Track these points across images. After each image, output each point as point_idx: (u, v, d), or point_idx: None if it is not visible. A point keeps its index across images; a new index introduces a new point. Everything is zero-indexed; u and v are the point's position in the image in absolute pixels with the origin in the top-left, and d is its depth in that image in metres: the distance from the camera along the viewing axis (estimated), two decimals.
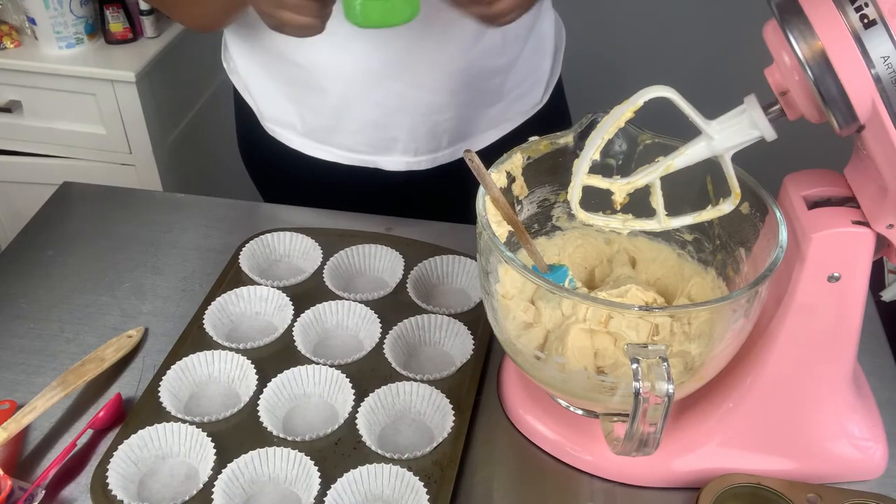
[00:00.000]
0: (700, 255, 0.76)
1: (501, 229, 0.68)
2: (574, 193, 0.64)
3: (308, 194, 1.05)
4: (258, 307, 0.87)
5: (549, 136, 0.72)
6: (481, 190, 0.67)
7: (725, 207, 0.65)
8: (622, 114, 0.61)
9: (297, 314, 0.84)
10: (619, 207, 0.65)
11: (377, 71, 0.92)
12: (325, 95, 0.96)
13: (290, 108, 1.01)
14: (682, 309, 0.64)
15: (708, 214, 0.66)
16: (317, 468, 0.70)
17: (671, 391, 0.55)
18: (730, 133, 0.60)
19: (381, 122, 0.97)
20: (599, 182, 0.65)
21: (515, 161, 0.71)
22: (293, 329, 0.83)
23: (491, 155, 0.70)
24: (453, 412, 0.75)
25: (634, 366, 0.56)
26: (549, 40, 1.07)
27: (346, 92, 0.94)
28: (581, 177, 0.63)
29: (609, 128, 0.62)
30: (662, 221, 0.65)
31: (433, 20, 0.87)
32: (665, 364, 0.56)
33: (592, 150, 0.62)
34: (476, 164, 0.65)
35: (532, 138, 0.72)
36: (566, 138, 0.71)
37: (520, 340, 0.68)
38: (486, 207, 0.66)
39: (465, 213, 0.76)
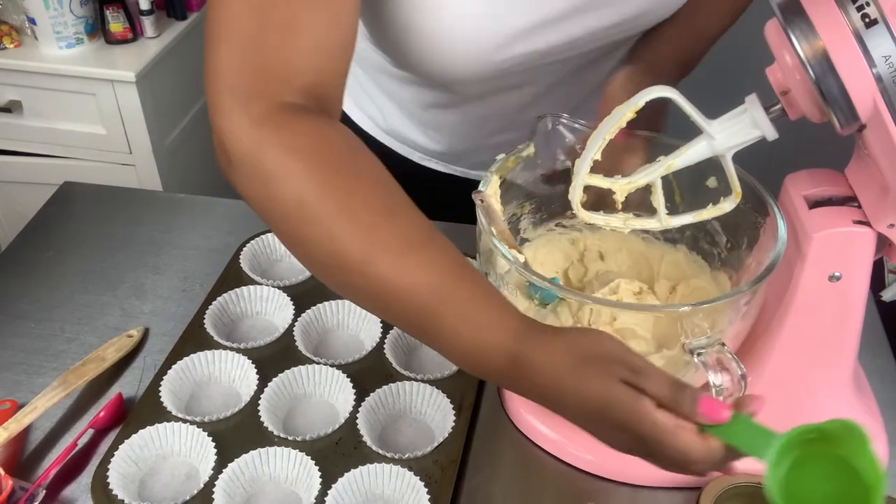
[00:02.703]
0: (666, 235, 0.76)
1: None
2: (575, 193, 0.64)
3: None
4: (259, 307, 0.87)
5: (514, 151, 0.72)
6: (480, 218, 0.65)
7: (726, 206, 0.65)
8: (623, 114, 0.61)
9: (297, 314, 0.84)
10: (619, 207, 0.65)
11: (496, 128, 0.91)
12: (439, 131, 0.93)
13: (372, 104, 0.98)
14: (711, 303, 0.62)
15: (708, 213, 0.66)
16: (317, 468, 0.70)
17: (744, 370, 0.56)
18: (731, 132, 0.61)
19: (481, 149, 0.94)
20: (600, 182, 0.65)
21: (494, 185, 0.70)
22: (294, 329, 0.83)
23: None
24: (454, 412, 0.75)
25: (699, 359, 0.56)
26: None
27: (457, 140, 0.93)
28: (582, 177, 0.63)
29: (611, 128, 0.62)
30: (663, 220, 0.65)
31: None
32: (726, 348, 0.56)
33: (594, 151, 0.62)
34: (487, 204, 0.64)
35: (499, 157, 0.71)
36: (528, 150, 0.72)
37: None
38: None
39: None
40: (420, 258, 0.54)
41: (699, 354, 0.57)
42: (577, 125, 0.69)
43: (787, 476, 0.48)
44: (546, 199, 0.75)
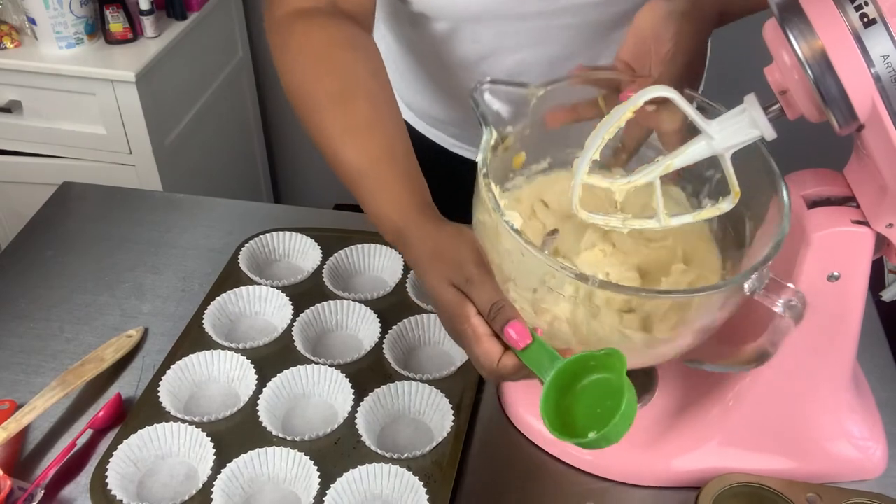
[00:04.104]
0: (603, 164, 0.74)
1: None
2: (575, 193, 0.64)
3: None
4: (258, 307, 0.87)
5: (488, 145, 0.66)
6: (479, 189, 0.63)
7: (725, 206, 0.65)
8: (622, 114, 0.61)
9: (296, 314, 0.84)
10: (622, 220, 0.65)
11: None
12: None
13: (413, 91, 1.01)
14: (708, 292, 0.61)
15: (708, 213, 0.66)
16: (316, 468, 0.70)
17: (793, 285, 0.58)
18: (730, 132, 0.60)
19: None
20: (599, 181, 0.64)
21: (497, 194, 0.65)
22: (293, 329, 0.83)
23: None
24: (453, 412, 0.75)
25: (759, 296, 0.58)
26: None
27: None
28: (581, 176, 0.63)
29: (609, 128, 0.62)
30: (662, 220, 0.65)
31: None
32: (770, 274, 0.58)
33: (593, 150, 0.62)
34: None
35: (478, 160, 0.65)
36: (498, 133, 0.66)
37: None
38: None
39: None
40: (355, 142, 0.68)
41: (755, 292, 0.58)
42: (504, 87, 0.66)
43: (564, 399, 0.56)
44: (493, 169, 0.69)
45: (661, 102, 0.65)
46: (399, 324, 0.83)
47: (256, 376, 0.78)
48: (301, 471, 0.71)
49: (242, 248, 0.92)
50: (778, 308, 0.58)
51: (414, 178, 0.68)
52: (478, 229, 0.63)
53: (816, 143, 1.12)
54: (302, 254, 0.94)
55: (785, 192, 0.62)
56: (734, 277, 0.59)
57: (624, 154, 0.72)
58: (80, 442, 0.75)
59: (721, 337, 0.64)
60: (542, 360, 0.56)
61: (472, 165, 0.64)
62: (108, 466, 0.69)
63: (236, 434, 0.74)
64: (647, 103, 0.62)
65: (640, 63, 0.69)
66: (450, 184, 0.81)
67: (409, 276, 0.89)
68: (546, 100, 0.67)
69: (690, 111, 0.60)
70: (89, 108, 1.64)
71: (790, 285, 0.58)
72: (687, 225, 0.67)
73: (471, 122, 0.80)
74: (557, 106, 0.69)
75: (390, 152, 0.68)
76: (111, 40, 1.65)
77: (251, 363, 0.79)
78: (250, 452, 0.71)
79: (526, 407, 0.78)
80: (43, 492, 0.70)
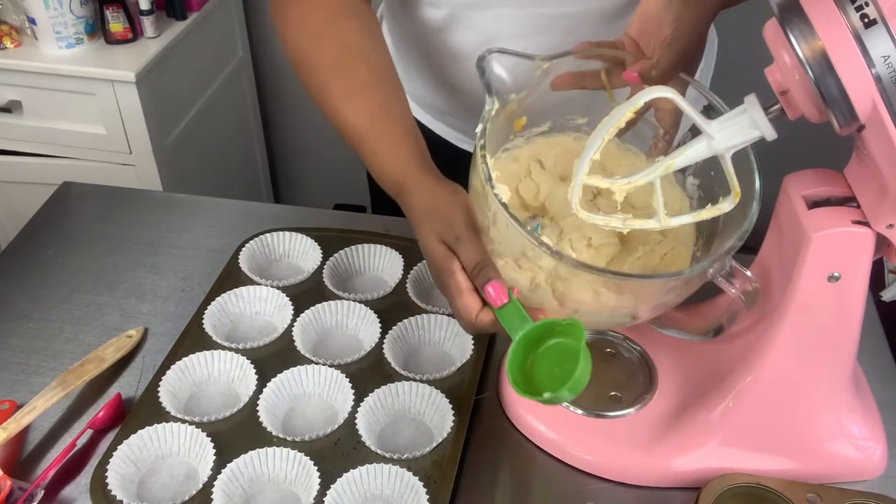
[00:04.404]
0: (589, 132, 0.76)
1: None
2: (574, 193, 0.64)
3: None
4: (258, 307, 0.87)
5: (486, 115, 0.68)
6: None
7: (725, 206, 0.65)
8: (622, 114, 0.61)
9: (296, 314, 0.84)
10: (619, 207, 0.65)
11: None
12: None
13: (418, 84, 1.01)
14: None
15: (707, 213, 0.66)
16: (316, 468, 0.70)
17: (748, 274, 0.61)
18: (730, 133, 0.60)
19: None
20: (599, 181, 0.64)
21: (490, 166, 0.66)
22: (293, 329, 0.83)
23: None
24: (453, 412, 0.75)
25: (719, 281, 0.61)
26: None
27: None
28: (581, 176, 0.63)
29: (610, 128, 0.62)
30: (662, 220, 0.65)
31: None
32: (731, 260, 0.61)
33: (593, 151, 0.62)
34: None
35: (477, 130, 0.67)
36: (500, 101, 0.68)
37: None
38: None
39: None
40: (355, 103, 0.73)
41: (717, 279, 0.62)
42: (511, 57, 0.69)
43: (529, 358, 0.62)
44: (494, 134, 0.72)
45: (663, 83, 0.67)
46: (399, 324, 0.83)
47: (256, 376, 0.78)
48: (301, 471, 0.71)
49: (242, 249, 0.92)
50: (733, 293, 0.61)
51: (412, 136, 0.73)
52: (471, 193, 0.66)
53: (816, 143, 1.12)
54: (302, 254, 0.94)
55: (757, 184, 0.64)
56: (696, 266, 0.63)
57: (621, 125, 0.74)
58: (80, 442, 0.75)
59: (683, 309, 0.69)
60: (514, 320, 0.62)
61: (469, 158, 0.66)
62: (108, 466, 0.69)
63: (236, 434, 0.74)
64: (646, 85, 0.67)
65: (646, 41, 0.71)
66: (447, 176, 0.82)
67: (409, 276, 0.89)
68: (550, 72, 0.70)
69: (691, 111, 0.60)
70: (89, 108, 1.64)
71: (748, 273, 0.61)
72: (668, 195, 0.70)
73: (469, 113, 0.81)
74: (564, 73, 0.72)
75: (388, 112, 0.73)
76: (111, 40, 1.65)
77: (251, 363, 0.79)
78: (250, 452, 0.71)
79: (526, 407, 0.78)
80: (43, 492, 0.70)
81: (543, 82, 0.71)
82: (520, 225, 0.59)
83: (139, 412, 0.75)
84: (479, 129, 0.64)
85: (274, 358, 0.81)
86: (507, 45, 0.88)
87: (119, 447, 0.71)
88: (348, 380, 0.77)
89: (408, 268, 0.90)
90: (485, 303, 0.63)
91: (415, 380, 0.78)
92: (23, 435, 0.76)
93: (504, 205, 0.60)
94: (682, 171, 0.71)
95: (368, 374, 0.79)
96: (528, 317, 0.62)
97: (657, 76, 0.69)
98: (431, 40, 0.93)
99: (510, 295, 0.62)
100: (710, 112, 0.66)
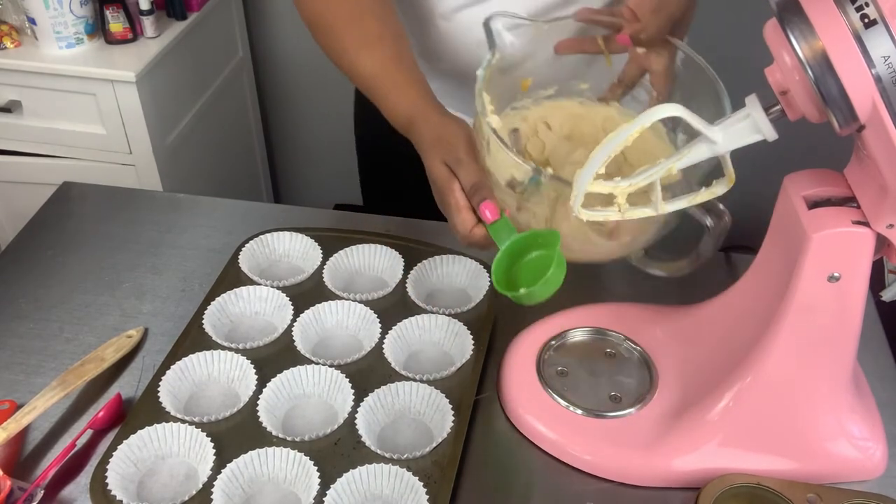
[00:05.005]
0: (598, 96, 0.83)
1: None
2: (577, 202, 0.65)
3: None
4: (258, 307, 0.87)
5: (487, 65, 0.75)
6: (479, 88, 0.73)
7: (718, 189, 0.66)
8: (630, 133, 0.61)
9: (296, 314, 0.84)
10: (620, 210, 0.66)
11: None
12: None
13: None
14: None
15: (702, 197, 0.67)
16: (316, 468, 0.70)
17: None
18: (732, 136, 0.61)
19: None
20: (601, 188, 0.65)
21: (488, 102, 0.74)
22: (293, 329, 0.83)
23: None
24: (453, 412, 0.75)
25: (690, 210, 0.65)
26: None
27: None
28: (584, 188, 0.64)
29: (615, 147, 0.62)
30: (659, 207, 0.66)
31: None
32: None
33: (598, 165, 0.63)
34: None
35: (479, 72, 0.74)
36: (494, 57, 0.75)
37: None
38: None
39: None
40: (369, 52, 0.81)
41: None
42: (515, 20, 0.76)
43: (514, 267, 0.71)
44: (501, 91, 0.80)
45: (652, 47, 0.78)
46: (399, 324, 0.83)
47: (256, 376, 0.78)
48: (301, 471, 0.71)
49: (242, 249, 0.92)
50: (708, 224, 0.66)
51: (421, 81, 0.80)
52: (474, 129, 0.74)
53: (816, 144, 1.12)
54: (302, 254, 0.94)
55: (727, 107, 0.70)
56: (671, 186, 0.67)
57: (619, 89, 0.83)
58: (80, 442, 0.75)
59: (662, 246, 0.75)
60: (503, 234, 0.69)
61: None
62: (108, 466, 0.69)
63: (236, 434, 0.74)
64: (637, 47, 0.78)
65: (643, 10, 0.78)
66: None
67: (409, 276, 0.89)
68: (551, 33, 0.79)
69: (693, 119, 0.60)
70: (89, 108, 1.64)
71: (721, 206, 0.65)
72: (657, 148, 0.78)
73: (465, 99, 0.84)
74: (568, 38, 0.81)
75: (399, 59, 0.81)
76: (111, 40, 1.65)
77: (251, 363, 0.79)
78: (250, 453, 0.71)
79: (526, 407, 0.78)
80: (43, 492, 0.70)
81: (544, 43, 0.80)
82: (506, 146, 0.68)
83: (139, 412, 0.75)
84: (479, 72, 0.73)
85: (274, 358, 0.81)
86: (494, 4, 0.94)
87: (119, 447, 0.71)
88: (348, 380, 0.77)
89: (408, 268, 0.90)
90: (479, 220, 0.71)
91: (415, 380, 0.78)
92: (23, 435, 0.76)
93: (493, 130, 0.69)
94: (673, 126, 0.79)
95: (368, 374, 0.79)
96: (515, 230, 0.70)
97: (646, 39, 0.78)
98: (433, 25, 0.95)
99: (501, 213, 0.69)
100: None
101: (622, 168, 0.77)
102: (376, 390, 0.76)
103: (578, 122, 0.83)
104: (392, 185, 1.20)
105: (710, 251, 0.71)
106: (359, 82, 0.84)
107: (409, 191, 1.04)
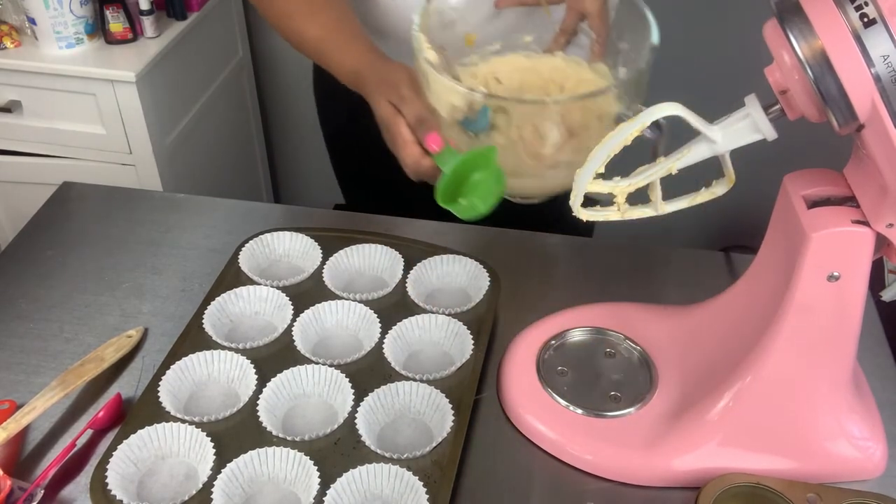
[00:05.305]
0: (543, 48, 0.88)
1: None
2: (577, 202, 0.65)
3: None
4: (258, 307, 0.87)
5: (426, 9, 0.80)
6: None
7: (718, 190, 0.66)
8: (629, 133, 0.61)
9: (296, 314, 0.84)
10: (620, 210, 0.66)
11: None
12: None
13: None
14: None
15: (702, 197, 0.67)
16: (316, 468, 0.70)
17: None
18: (732, 136, 0.61)
19: None
20: (601, 187, 0.65)
21: (423, 40, 0.78)
22: (293, 329, 0.83)
23: None
24: (453, 412, 0.75)
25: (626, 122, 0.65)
26: None
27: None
28: (583, 187, 0.64)
29: (615, 146, 0.62)
30: (659, 207, 0.66)
31: None
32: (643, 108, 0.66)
33: (598, 165, 0.63)
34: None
35: (414, 16, 0.79)
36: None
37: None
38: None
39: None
40: (317, 19, 0.87)
41: (623, 119, 0.68)
42: None
43: (459, 190, 0.75)
44: (451, 50, 0.85)
45: None
46: (399, 324, 0.83)
47: (256, 376, 0.78)
48: (301, 471, 0.71)
49: (242, 249, 0.92)
50: (647, 136, 0.66)
51: (365, 37, 0.86)
52: (415, 69, 0.78)
53: (816, 143, 1.12)
54: (302, 254, 0.94)
55: (655, 36, 0.75)
56: (606, 87, 0.75)
57: (563, 38, 0.87)
58: (80, 442, 0.75)
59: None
60: (448, 159, 0.74)
61: None
62: (108, 466, 0.69)
63: (236, 434, 0.74)
64: None
65: None
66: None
67: (409, 276, 0.89)
68: None
69: (698, 124, 0.61)
70: (89, 108, 1.65)
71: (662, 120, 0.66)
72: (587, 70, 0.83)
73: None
74: None
75: (343, 20, 0.88)
76: (111, 40, 1.65)
77: (251, 363, 0.79)
78: (250, 452, 0.71)
79: (526, 407, 0.78)
80: (43, 492, 0.70)
81: (486, 1, 0.87)
82: (441, 73, 0.72)
83: (139, 412, 0.75)
84: (414, 16, 0.78)
85: (274, 358, 0.81)
86: None
87: (119, 447, 0.71)
88: (348, 380, 0.77)
89: (408, 268, 0.90)
90: (427, 152, 0.75)
91: (415, 380, 0.78)
92: (23, 435, 0.76)
93: (430, 62, 0.74)
94: (615, 61, 0.84)
95: (368, 374, 0.79)
96: (458, 154, 0.74)
97: None
98: (375, 2, 0.98)
99: (446, 142, 0.74)
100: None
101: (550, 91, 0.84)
102: (376, 390, 0.76)
103: (527, 75, 0.86)
104: (365, 175, 1.23)
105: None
106: (305, 47, 0.89)
107: (384, 177, 1.05)
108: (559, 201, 0.78)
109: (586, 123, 0.74)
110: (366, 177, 1.22)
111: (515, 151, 0.75)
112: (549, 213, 1.18)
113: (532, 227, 1.03)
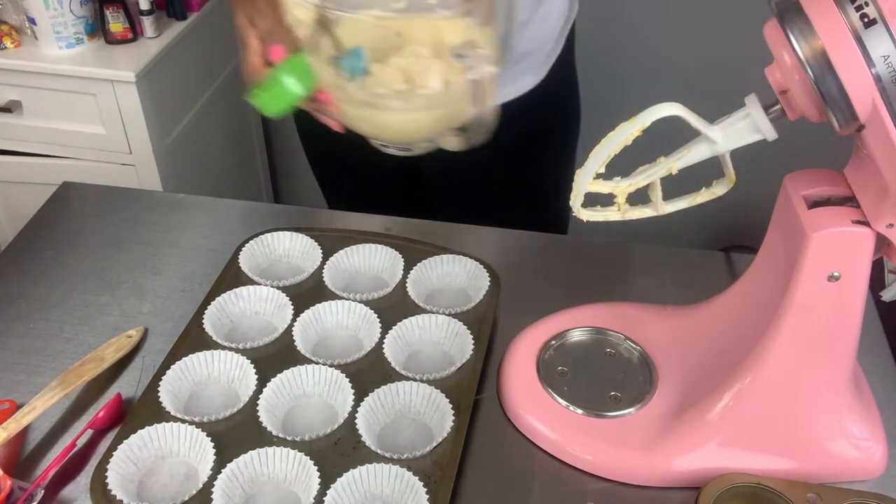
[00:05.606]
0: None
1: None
2: (577, 202, 0.65)
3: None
4: (258, 307, 0.87)
5: None
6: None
7: (719, 190, 0.66)
8: (630, 133, 0.61)
9: (296, 314, 0.84)
10: (621, 210, 0.66)
11: None
12: None
13: None
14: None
15: (702, 197, 0.67)
16: (316, 468, 0.70)
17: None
18: (732, 136, 0.61)
19: None
20: (601, 187, 0.65)
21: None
22: (293, 329, 0.83)
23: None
24: (453, 412, 0.75)
25: (461, 60, 0.65)
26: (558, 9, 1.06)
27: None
28: (584, 187, 0.64)
29: (615, 146, 0.62)
30: (659, 207, 0.66)
31: None
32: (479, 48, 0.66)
33: (598, 165, 0.63)
34: None
35: None
36: None
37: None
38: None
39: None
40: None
41: (461, 56, 0.66)
42: None
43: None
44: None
45: None
46: (399, 324, 0.83)
47: (256, 376, 0.78)
48: (301, 471, 0.71)
49: (242, 249, 0.92)
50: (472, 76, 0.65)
51: None
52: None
53: (816, 143, 1.12)
54: (302, 254, 0.94)
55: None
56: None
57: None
58: (80, 442, 0.75)
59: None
60: (283, 66, 0.75)
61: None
62: (108, 466, 0.69)
63: (236, 434, 0.74)
64: None
65: None
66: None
67: (409, 276, 0.89)
68: None
69: (698, 124, 0.61)
70: (89, 108, 1.64)
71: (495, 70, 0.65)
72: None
73: None
74: None
75: None
76: (111, 40, 1.65)
77: (251, 363, 0.79)
78: (250, 452, 0.71)
79: (526, 407, 0.78)
80: (43, 492, 0.70)
81: None
82: None
83: (139, 412, 0.75)
84: None
85: (274, 358, 0.81)
86: None
87: (119, 447, 0.71)
88: (348, 380, 0.77)
89: (408, 268, 0.90)
90: (270, 63, 0.77)
91: (415, 380, 0.78)
92: (23, 435, 0.76)
93: None
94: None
95: (368, 374, 0.79)
96: (299, 68, 0.74)
97: None
98: None
99: (288, 54, 0.75)
100: None
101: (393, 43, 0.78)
102: (376, 390, 0.76)
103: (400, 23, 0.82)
104: (344, 175, 1.25)
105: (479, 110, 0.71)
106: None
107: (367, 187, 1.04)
108: (560, 201, 0.78)
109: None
110: (349, 187, 1.22)
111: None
112: (549, 214, 1.18)
113: (532, 227, 1.03)
